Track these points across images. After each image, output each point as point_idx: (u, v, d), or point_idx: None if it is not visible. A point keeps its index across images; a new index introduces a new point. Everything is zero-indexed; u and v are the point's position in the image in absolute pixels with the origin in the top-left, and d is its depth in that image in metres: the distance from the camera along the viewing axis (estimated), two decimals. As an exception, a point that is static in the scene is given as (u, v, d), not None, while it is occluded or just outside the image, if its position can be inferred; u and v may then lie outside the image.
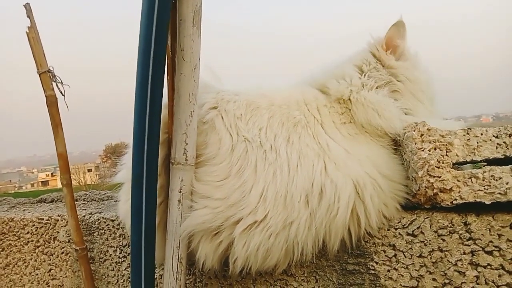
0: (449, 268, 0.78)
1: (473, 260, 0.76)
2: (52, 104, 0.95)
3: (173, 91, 0.84)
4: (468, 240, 0.77)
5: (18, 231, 1.38)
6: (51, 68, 0.92)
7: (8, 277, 1.41)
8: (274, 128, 0.89)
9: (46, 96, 0.95)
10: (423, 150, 0.79)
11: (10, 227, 1.40)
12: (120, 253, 1.19)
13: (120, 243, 1.19)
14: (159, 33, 0.74)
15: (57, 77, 0.92)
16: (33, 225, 1.35)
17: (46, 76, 0.92)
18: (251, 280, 0.97)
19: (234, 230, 0.83)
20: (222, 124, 0.89)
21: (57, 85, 0.94)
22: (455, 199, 0.76)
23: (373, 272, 0.85)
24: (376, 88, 0.95)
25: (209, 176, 0.87)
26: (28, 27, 0.89)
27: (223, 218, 0.83)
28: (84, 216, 1.26)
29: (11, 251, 1.40)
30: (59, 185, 1.11)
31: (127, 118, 0.84)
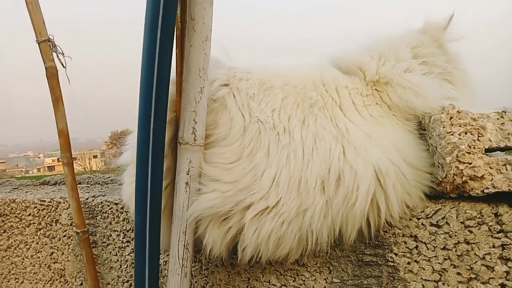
0: (476, 262, 0.73)
1: (504, 255, 0.71)
2: (52, 76, 0.89)
3: (182, 66, 0.78)
4: (498, 232, 0.71)
5: (20, 213, 1.35)
6: (51, 37, 0.86)
7: (10, 259, 1.38)
8: (288, 109, 0.83)
9: (45, 68, 0.88)
10: (452, 134, 0.72)
11: (12, 208, 1.36)
12: (123, 238, 1.15)
13: (124, 228, 1.14)
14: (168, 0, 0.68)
15: (57, 47, 0.86)
16: (35, 207, 1.31)
17: (46, 45, 0.85)
18: (260, 269, 0.93)
19: (244, 215, 0.77)
20: (234, 103, 0.83)
21: (57, 56, 0.88)
22: (487, 188, 0.70)
23: (391, 264, 0.80)
24: (427, 73, 0.89)
25: (218, 158, 0.81)
26: (25, -10, 0.83)
27: (233, 203, 0.78)
28: (87, 198, 1.21)
29: (12, 233, 1.36)
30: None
31: (135, 105, 0.79)
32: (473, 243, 0.73)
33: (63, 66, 0.88)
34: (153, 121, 0.75)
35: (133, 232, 1.01)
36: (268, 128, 0.81)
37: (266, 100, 0.85)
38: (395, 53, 0.92)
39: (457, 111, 0.74)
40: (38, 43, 0.85)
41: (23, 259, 1.35)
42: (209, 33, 0.75)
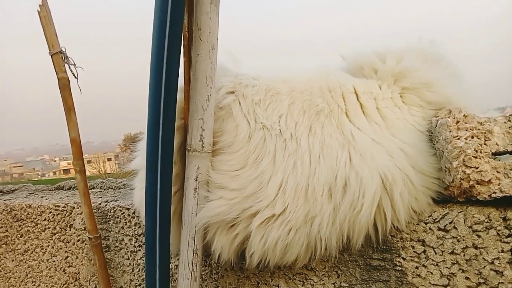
0: (485, 266, 0.72)
1: (513, 259, 0.70)
2: (64, 87, 0.92)
3: (189, 74, 0.79)
4: (507, 237, 0.70)
5: (35, 218, 1.38)
6: (63, 49, 0.89)
7: (27, 263, 1.42)
8: (294, 115, 0.84)
9: (58, 79, 0.91)
10: (458, 139, 0.72)
11: (28, 213, 1.40)
12: (135, 242, 1.17)
13: (136, 232, 1.17)
14: (175, 10, 0.70)
15: (69, 59, 0.89)
16: (50, 212, 1.34)
17: (58, 57, 0.88)
18: (269, 273, 0.93)
19: (250, 223, 0.78)
20: (239, 110, 0.84)
21: (69, 67, 0.90)
22: (494, 192, 0.69)
23: (399, 268, 0.80)
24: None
25: (225, 165, 0.82)
26: (39, 5, 0.86)
27: (239, 210, 0.78)
28: (100, 204, 1.24)
29: (29, 237, 1.40)
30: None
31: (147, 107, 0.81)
32: (482, 248, 0.72)
33: (75, 77, 0.91)
34: (162, 128, 0.76)
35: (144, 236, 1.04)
36: (274, 134, 0.81)
37: (273, 106, 0.85)
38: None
39: (464, 115, 0.74)
40: (51, 55, 0.88)
41: (39, 262, 1.38)
42: (215, 42, 0.76)
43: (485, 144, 0.71)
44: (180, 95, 0.81)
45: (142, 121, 0.82)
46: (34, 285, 1.40)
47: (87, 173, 1.13)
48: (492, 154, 0.71)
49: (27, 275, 1.41)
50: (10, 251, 1.45)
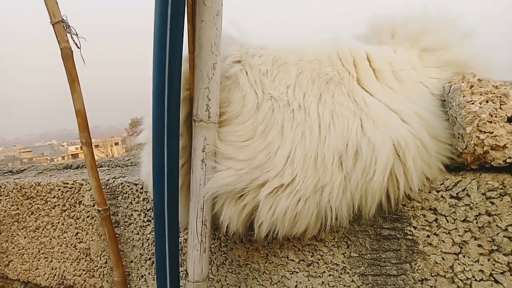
0: (498, 233, 0.71)
1: (527, 225, 0.69)
2: (67, 57, 0.90)
3: (194, 43, 0.77)
4: (521, 203, 0.69)
5: (45, 195, 1.39)
6: (64, 18, 0.87)
7: (39, 240, 1.44)
8: (303, 86, 0.82)
9: (61, 49, 0.89)
10: (473, 103, 0.70)
11: (38, 191, 1.41)
12: (144, 217, 1.17)
13: (144, 207, 1.17)
14: (177, -26, 0.67)
15: (71, 28, 0.87)
16: (59, 189, 1.35)
17: (60, 26, 0.86)
18: (278, 245, 0.93)
19: (259, 193, 0.78)
20: (246, 80, 0.83)
21: (71, 37, 0.88)
22: (510, 157, 0.67)
23: (410, 237, 0.79)
24: None
25: (232, 136, 0.81)
26: (39, -26, 0.83)
27: (247, 181, 0.78)
28: (108, 180, 1.24)
29: (39, 214, 1.42)
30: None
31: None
32: (495, 215, 0.71)
33: (78, 47, 0.89)
34: (167, 99, 0.75)
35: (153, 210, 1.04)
36: (282, 105, 0.80)
37: (280, 76, 0.83)
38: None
39: (478, 79, 0.72)
40: (52, 25, 0.86)
41: (51, 239, 1.40)
42: (220, 8, 0.74)
43: (500, 108, 0.69)
44: (185, 65, 0.80)
45: (148, 105, 0.81)
46: (46, 260, 1.43)
47: (95, 157, 1.13)
48: (508, 118, 0.69)
49: (39, 251, 1.44)
50: (22, 228, 1.47)
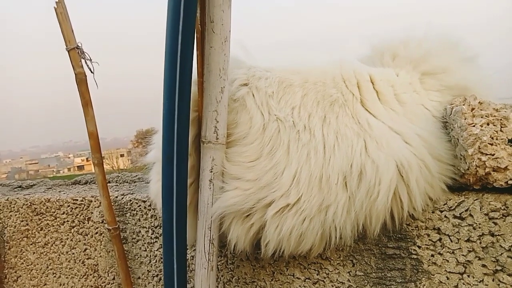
0: (502, 254, 0.72)
1: (530, 246, 0.70)
2: (81, 81, 0.94)
3: (203, 67, 0.80)
4: (524, 224, 0.70)
5: (54, 212, 1.42)
6: (79, 45, 0.91)
7: (47, 255, 1.45)
8: (308, 107, 0.84)
9: (75, 74, 0.93)
10: (474, 126, 0.72)
11: (47, 207, 1.43)
12: (152, 234, 1.19)
13: (152, 224, 1.19)
14: (187, 4, 0.70)
15: (86, 54, 0.91)
16: (68, 206, 1.38)
17: (75, 52, 0.90)
18: (284, 263, 0.95)
19: (265, 212, 0.79)
20: (253, 102, 0.85)
21: (86, 62, 0.92)
22: (511, 179, 0.69)
23: (415, 256, 0.80)
24: None
25: (239, 157, 0.83)
26: (56, 2, 0.87)
27: (254, 200, 0.80)
28: (116, 197, 1.27)
29: (49, 230, 1.44)
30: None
31: (159, 103, 0.82)
32: (498, 235, 0.72)
33: (91, 72, 0.93)
34: (177, 121, 0.78)
35: (161, 228, 1.06)
36: (287, 126, 0.82)
37: (286, 98, 0.86)
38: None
39: (479, 102, 0.73)
40: (68, 51, 0.90)
41: (59, 255, 1.42)
42: (228, 34, 0.77)
43: (501, 130, 0.71)
44: (194, 88, 0.82)
45: (153, 116, 0.83)
46: (54, 276, 1.44)
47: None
48: (509, 140, 0.70)
49: (47, 267, 1.46)
50: (31, 244, 1.49)
